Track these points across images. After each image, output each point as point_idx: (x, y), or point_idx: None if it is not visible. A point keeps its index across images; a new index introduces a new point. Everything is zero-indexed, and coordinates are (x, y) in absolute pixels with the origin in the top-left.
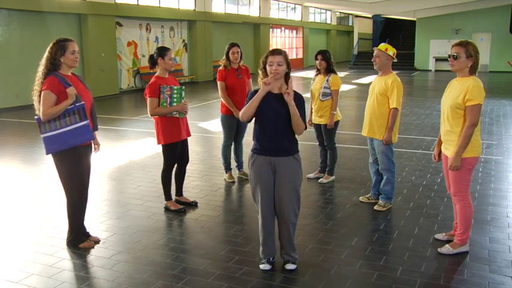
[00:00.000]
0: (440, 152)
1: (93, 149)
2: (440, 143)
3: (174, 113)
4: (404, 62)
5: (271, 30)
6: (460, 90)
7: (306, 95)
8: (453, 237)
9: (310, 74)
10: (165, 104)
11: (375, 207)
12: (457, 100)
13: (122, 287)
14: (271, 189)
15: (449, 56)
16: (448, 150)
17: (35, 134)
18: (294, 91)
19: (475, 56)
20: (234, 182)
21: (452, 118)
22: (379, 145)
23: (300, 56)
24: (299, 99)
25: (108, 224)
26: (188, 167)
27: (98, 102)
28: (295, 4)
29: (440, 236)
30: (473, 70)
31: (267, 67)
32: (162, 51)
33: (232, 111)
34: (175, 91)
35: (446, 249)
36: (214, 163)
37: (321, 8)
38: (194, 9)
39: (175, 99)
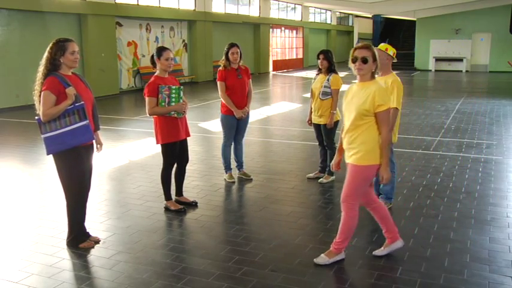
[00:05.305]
0: (339, 161)
1: (95, 149)
2: (341, 151)
3: (172, 112)
4: (404, 62)
5: (271, 30)
6: (365, 95)
7: (306, 95)
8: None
9: (310, 74)
10: (163, 103)
11: None
12: (364, 106)
13: (122, 287)
14: None
15: (354, 60)
16: (351, 158)
17: (35, 134)
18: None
19: (378, 59)
20: (234, 182)
21: (358, 125)
22: None
23: (300, 56)
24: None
25: (108, 224)
26: (188, 167)
27: (98, 102)
28: (295, 4)
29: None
30: (374, 74)
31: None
32: (159, 51)
33: (232, 111)
34: (173, 91)
35: (322, 259)
36: (214, 163)
37: (321, 8)
38: (194, 9)
39: (173, 99)
